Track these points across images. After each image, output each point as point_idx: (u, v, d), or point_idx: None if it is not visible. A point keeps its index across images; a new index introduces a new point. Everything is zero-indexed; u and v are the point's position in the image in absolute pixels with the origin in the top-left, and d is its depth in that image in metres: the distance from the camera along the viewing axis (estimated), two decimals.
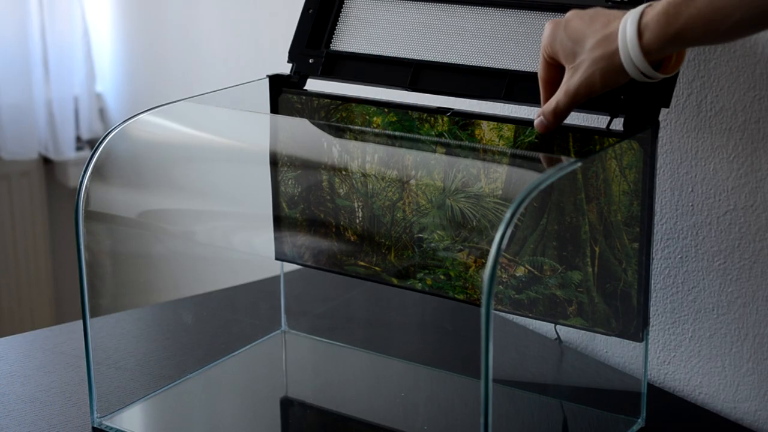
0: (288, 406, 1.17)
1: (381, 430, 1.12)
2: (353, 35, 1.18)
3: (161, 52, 2.17)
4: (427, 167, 1.08)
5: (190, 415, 1.17)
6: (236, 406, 1.16)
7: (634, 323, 1.02)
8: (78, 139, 2.44)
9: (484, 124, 1.05)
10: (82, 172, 1.05)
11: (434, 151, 1.09)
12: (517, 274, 1.05)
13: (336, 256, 1.17)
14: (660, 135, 1.10)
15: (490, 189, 1.03)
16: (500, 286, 1.06)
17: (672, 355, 1.15)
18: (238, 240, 1.33)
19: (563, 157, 0.95)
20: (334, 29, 1.19)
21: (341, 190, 1.13)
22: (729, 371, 1.10)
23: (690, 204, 1.10)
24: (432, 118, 1.07)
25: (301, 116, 1.18)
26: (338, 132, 1.14)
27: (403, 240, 1.10)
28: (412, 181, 1.08)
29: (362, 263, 1.13)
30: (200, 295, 1.41)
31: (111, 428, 1.08)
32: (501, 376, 1.16)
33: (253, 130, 1.26)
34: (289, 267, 1.29)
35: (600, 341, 1.20)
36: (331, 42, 1.19)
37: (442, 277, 1.08)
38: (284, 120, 1.20)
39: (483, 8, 1.10)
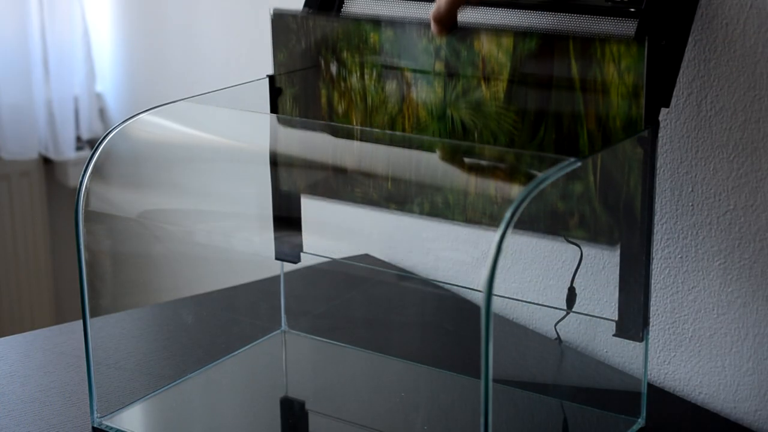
0: (288, 406, 1.17)
1: (381, 430, 1.12)
2: None
3: (161, 52, 2.17)
4: (427, 79, 1.07)
5: (190, 415, 1.17)
6: (236, 406, 1.16)
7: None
8: (78, 139, 2.44)
9: (483, 35, 1.05)
10: (82, 172, 1.05)
11: (433, 67, 1.08)
12: None
13: (332, 183, 1.16)
14: (660, 135, 1.10)
15: (491, 94, 1.03)
16: (496, 207, 1.06)
17: (672, 355, 1.15)
18: (238, 240, 1.33)
19: (563, 157, 0.95)
20: None
21: (340, 108, 1.12)
22: (729, 371, 1.10)
23: (690, 204, 1.10)
24: (430, 32, 1.06)
25: (298, 38, 1.16)
26: (335, 53, 1.13)
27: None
28: (412, 91, 1.08)
29: (359, 190, 1.12)
30: (200, 295, 1.41)
31: (111, 428, 1.08)
32: (501, 376, 1.15)
33: (253, 130, 1.26)
34: (289, 267, 1.29)
35: (600, 341, 1.21)
36: None
37: (440, 201, 1.08)
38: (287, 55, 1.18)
39: None
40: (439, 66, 1.07)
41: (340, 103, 1.13)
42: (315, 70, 1.16)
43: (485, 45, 1.04)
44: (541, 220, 1.01)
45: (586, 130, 1.00)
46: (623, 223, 1.00)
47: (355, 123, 1.13)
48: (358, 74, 1.12)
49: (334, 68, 1.14)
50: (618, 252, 1.02)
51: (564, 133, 1.01)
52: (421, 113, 1.09)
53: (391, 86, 1.10)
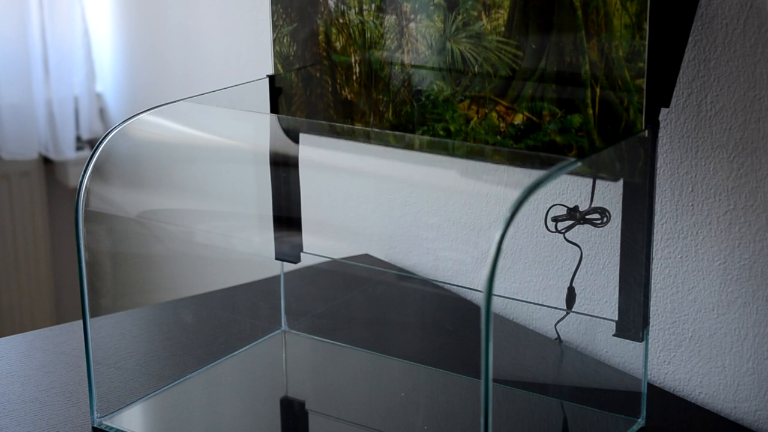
0: (288, 406, 1.17)
1: (381, 430, 1.12)
2: None
3: (161, 52, 2.17)
4: (426, 12, 1.07)
5: (190, 415, 1.17)
6: (236, 406, 1.16)
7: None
8: (78, 139, 2.44)
9: None
10: (82, 172, 1.05)
11: None
12: (516, 122, 1.04)
13: (332, 119, 1.15)
14: (660, 135, 1.10)
15: (492, 26, 1.02)
16: (498, 137, 1.05)
17: (672, 355, 1.15)
18: (238, 240, 1.33)
19: (562, 157, 0.95)
20: None
21: (338, 44, 1.11)
22: (729, 371, 1.10)
23: (690, 204, 1.10)
24: None
25: None
26: None
27: (401, 94, 1.09)
28: (412, 25, 1.07)
29: (359, 125, 1.12)
30: (200, 295, 1.41)
31: (111, 428, 1.08)
32: (501, 376, 1.16)
33: (253, 130, 1.26)
34: (289, 267, 1.29)
35: (600, 341, 1.21)
36: None
37: (441, 132, 1.07)
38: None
39: None
40: None
41: (338, 38, 1.12)
42: (313, 4, 1.15)
43: None
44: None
45: (588, 61, 0.99)
46: (626, 156, 0.99)
47: (353, 58, 1.11)
48: (357, 8, 1.11)
49: (332, 2, 1.13)
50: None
51: (566, 64, 1.00)
52: (420, 47, 1.08)
53: (390, 20, 1.09)
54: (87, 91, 2.41)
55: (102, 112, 2.46)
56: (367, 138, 1.14)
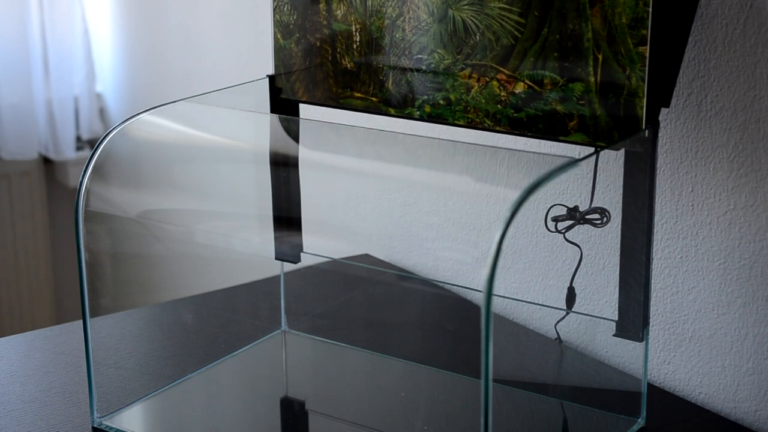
0: (288, 406, 1.17)
1: (381, 430, 1.12)
2: None
3: (161, 52, 2.17)
4: None
5: (190, 415, 1.17)
6: (236, 406, 1.16)
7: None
8: (78, 139, 2.44)
9: None
10: (82, 172, 1.05)
11: None
12: (517, 91, 1.04)
13: (331, 88, 1.14)
14: (660, 135, 1.10)
15: None
16: (498, 106, 1.05)
17: (672, 355, 1.15)
18: (238, 240, 1.33)
19: (562, 156, 0.95)
20: None
21: (338, 12, 1.11)
22: (729, 371, 1.10)
23: (690, 204, 1.10)
24: None
25: None
26: None
27: (402, 64, 1.08)
28: None
29: (358, 94, 1.11)
30: (200, 295, 1.41)
31: (111, 428, 1.08)
32: (501, 376, 1.16)
33: (253, 130, 1.26)
34: (289, 267, 1.29)
35: (600, 341, 1.21)
36: None
37: (441, 102, 1.07)
38: None
39: None
40: None
41: (339, 6, 1.11)
42: None
43: None
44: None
45: (590, 29, 0.98)
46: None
47: (354, 27, 1.10)
48: None
49: None
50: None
51: (568, 32, 1.00)
52: (422, 14, 1.07)
53: None
54: (87, 91, 2.41)
55: (102, 112, 2.46)
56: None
